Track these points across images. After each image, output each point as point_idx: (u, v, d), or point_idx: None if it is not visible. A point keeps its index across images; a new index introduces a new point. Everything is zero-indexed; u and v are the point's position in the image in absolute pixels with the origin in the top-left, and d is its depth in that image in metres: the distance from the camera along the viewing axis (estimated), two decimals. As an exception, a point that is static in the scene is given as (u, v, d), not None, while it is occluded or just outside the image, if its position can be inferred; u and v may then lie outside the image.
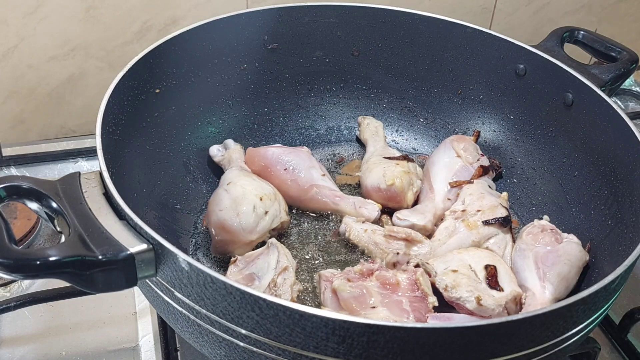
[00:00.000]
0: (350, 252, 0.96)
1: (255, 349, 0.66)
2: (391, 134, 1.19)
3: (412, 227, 0.96)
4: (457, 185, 1.02)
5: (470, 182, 1.02)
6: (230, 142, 1.07)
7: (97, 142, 0.79)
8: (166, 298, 0.71)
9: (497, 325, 0.62)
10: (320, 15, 1.12)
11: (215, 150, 1.06)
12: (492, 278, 0.85)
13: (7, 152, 1.19)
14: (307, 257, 0.95)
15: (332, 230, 1.00)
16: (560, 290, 0.85)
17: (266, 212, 0.93)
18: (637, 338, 0.95)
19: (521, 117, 1.09)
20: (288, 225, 0.98)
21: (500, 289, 0.84)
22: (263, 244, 0.91)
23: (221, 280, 0.63)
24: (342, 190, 1.04)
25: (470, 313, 0.82)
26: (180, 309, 0.70)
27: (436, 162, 1.06)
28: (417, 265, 0.87)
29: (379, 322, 0.61)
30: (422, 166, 1.09)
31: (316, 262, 0.95)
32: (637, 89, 1.51)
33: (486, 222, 0.94)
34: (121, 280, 0.68)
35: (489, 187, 1.03)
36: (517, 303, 0.85)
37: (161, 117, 0.99)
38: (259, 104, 1.14)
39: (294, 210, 1.02)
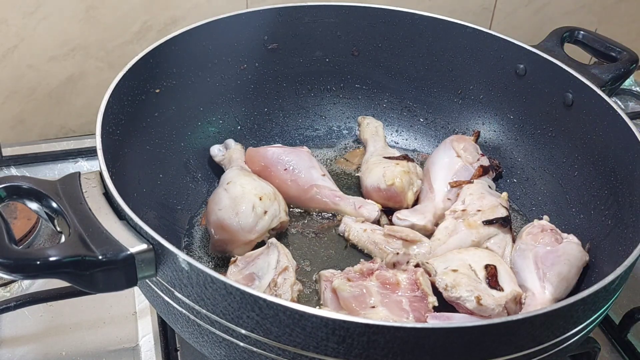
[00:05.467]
0: (350, 252, 0.96)
1: (255, 349, 0.66)
2: (391, 134, 1.19)
3: (412, 227, 0.96)
4: (457, 185, 1.02)
5: (470, 182, 1.02)
6: (231, 142, 1.07)
7: (97, 142, 0.79)
8: (166, 298, 0.71)
9: (497, 325, 0.62)
10: (320, 15, 1.12)
11: (216, 150, 1.06)
12: (492, 278, 0.85)
13: (7, 152, 1.19)
14: (307, 257, 0.95)
15: (332, 230, 1.00)
16: (560, 290, 0.85)
17: (265, 212, 0.93)
18: (637, 338, 0.95)
19: (521, 117, 1.09)
20: (287, 225, 0.98)
21: (500, 289, 0.84)
22: (262, 243, 0.91)
23: (221, 280, 0.63)
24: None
25: (470, 313, 0.82)
26: (180, 309, 0.70)
27: (436, 162, 1.06)
28: (417, 265, 0.87)
29: (379, 322, 0.61)
30: (422, 166, 1.09)
31: (316, 262, 0.94)
32: (637, 89, 1.50)
33: (486, 222, 0.94)
34: (121, 280, 0.68)
35: (489, 187, 1.03)
36: (517, 303, 0.85)
37: (161, 117, 0.99)
38: (259, 104, 1.14)
39: (293, 210, 1.02)
